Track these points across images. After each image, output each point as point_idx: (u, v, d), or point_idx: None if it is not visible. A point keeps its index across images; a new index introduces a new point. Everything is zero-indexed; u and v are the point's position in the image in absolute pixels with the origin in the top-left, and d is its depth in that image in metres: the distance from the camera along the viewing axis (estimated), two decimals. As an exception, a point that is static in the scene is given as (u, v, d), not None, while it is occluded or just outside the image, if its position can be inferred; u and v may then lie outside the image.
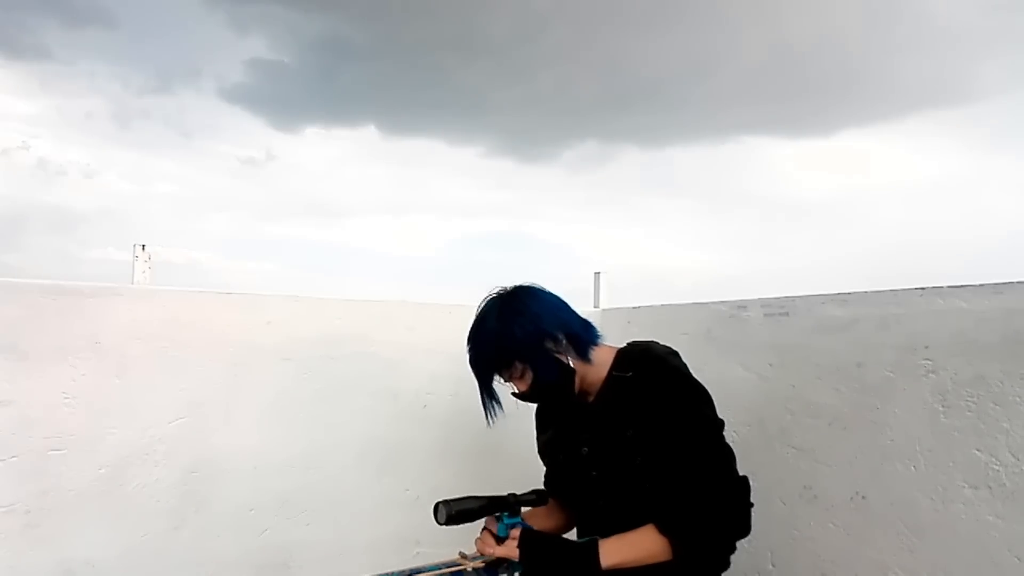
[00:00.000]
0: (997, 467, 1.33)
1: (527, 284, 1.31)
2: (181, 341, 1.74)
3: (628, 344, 1.33)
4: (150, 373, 1.70)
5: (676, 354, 1.30)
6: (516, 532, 1.26)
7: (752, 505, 1.18)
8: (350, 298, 2.05)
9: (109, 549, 1.64)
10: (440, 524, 1.22)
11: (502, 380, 1.29)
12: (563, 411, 1.37)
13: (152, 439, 1.70)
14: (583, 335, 1.28)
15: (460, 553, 1.32)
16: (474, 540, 1.30)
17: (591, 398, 1.30)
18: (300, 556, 1.90)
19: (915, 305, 1.50)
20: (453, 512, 1.22)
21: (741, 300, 1.90)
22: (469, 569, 1.26)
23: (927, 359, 1.46)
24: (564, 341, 1.26)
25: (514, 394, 1.29)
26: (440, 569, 1.28)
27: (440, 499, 1.23)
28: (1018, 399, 1.31)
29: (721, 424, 1.23)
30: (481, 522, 1.30)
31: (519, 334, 1.22)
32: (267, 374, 1.86)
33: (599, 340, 1.31)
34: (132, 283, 1.82)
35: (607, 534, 1.21)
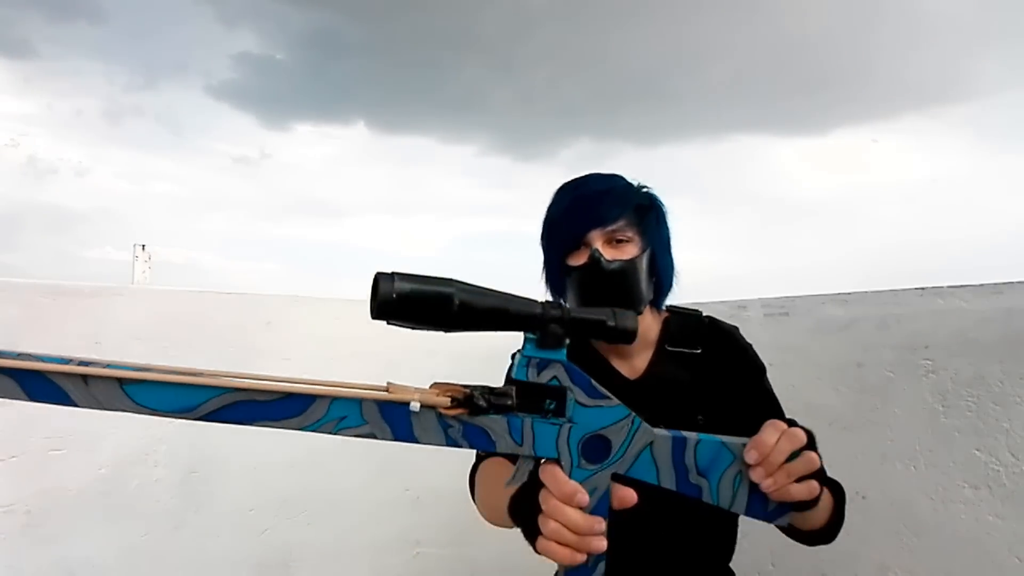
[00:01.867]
0: (997, 467, 1.33)
1: None
2: (181, 341, 1.74)
3: (670, 311, 1.09)
4: (150, 373, 1.70)
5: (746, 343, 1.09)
6: None
7: None
8: (350, 298, 2.05)
9: (109, 549, 1.64)
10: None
11: (593, 235, 0.97)
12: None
13: (152, 439, 1.70)
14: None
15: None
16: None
17: (635, 374, 1.04)
18: (300, 556, 1.90)
19: (915, 305, 1.50)
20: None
21: (741, 300, 1.90)
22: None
23: (927, 359, 1.46)
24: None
25: (594, 258, 0.96)
26: None
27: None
28: (1018, 399, 1.31)
29: None
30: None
31: (655, 211, 1.02)
32: (267, 374, 1.86)
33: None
34: (132, 283, 1.82)
35: (652, 544, 0.98)
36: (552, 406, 0.59)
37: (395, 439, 0.57)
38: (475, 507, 1.01)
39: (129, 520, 1.67)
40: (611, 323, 0.63)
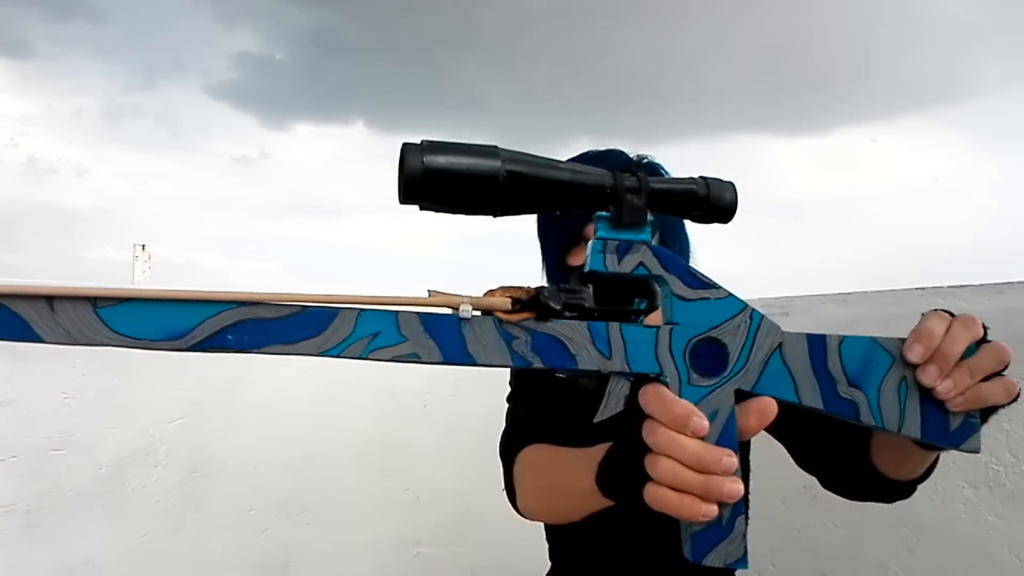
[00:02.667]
0: (997, 467, 1.33)
1: None
2: (181, 341, 1.74)
3: None
4: (150, 373, 1.69)
5: None
6: None
7: None
8: (350, 298, 2.05)
9: (109, 549, 1.64)
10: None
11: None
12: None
13: (152, 439, 1.70)
14: None
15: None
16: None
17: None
18: (300, 556, 1.90)
19: (915, 305, 1.50)
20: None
21: (741, 300, 1.90)
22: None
23: (927, 359, 1.46)
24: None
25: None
26: None
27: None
28: (1018, 399, 1.31)
29: None
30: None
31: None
32: (267, 374, 1.86)
33: None
34: (132, 283, 1.82)
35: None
36: (643, 305, 0.47)
37: (444, 361, 0.43)
38: (511, 503, 0.88)
39: (129, 520, 1.67)
40: (703, 193, 0.49)
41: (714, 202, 0.48)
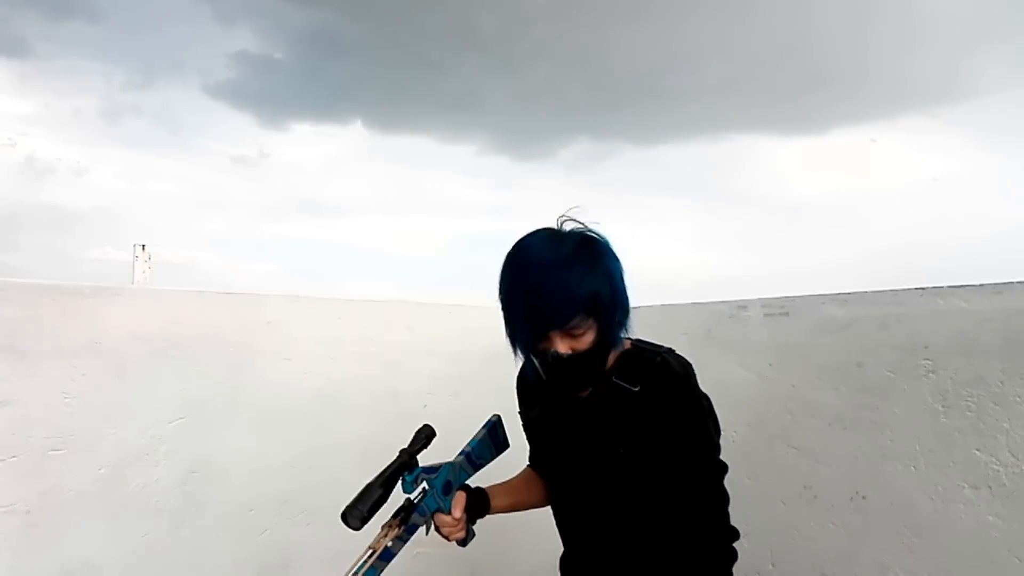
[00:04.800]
0: (997, 467, 1.33)
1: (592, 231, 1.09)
2: (181, 341, 1.74)
3: (634, 344, 1.14)
4: (150, 373, 1.70)
5: (692, 373, 1.12)
6: (460, 499, 1.18)
7: (736, 559, 1.13)
8: (350, 298, 2.06)
9: (109, 549, 1.64)
10: (360, 529, 1.09)
11: (552, 335, 1.04)
12: (555, 394, 1.17)
13: (152, 439, 1.70)
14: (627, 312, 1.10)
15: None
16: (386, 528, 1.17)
17: (584, 392, 1.12)
18: (300, 556, 1.90)
19: (915, 305, 1.50)
20: (365, 511, 1.09)
21: (741, 300, 1.90)
22: (389, 543, 1.15)
23: (927, 359, 1.46)
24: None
25: (555, 357, 1.04)
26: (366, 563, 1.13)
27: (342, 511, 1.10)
28: (1018, 399, 1.31)
29: (725, 468, 1.13)
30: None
31: (605, 280, 1.04)
32: (267, 374, 1.86)
33: None
34: (132, 283, 1.82)
35: (579, 530, 1.19)
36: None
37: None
38: None
39: (129, 520, 1.67)
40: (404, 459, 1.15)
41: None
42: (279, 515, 1.87)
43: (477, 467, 1.25)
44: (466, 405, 2.04)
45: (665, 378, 1.08)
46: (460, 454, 1.23)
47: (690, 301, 2.08)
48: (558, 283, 1.00)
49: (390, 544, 1.13)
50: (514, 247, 1.08)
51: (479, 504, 1.24)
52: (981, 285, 1.40)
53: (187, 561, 1.73)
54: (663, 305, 2.18)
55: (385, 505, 1.12)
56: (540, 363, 1.08)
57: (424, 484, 1.16)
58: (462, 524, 1.19)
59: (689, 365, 1.12)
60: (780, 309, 1.79)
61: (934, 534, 1.42)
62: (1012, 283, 1.35)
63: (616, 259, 1.08)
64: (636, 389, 1.07)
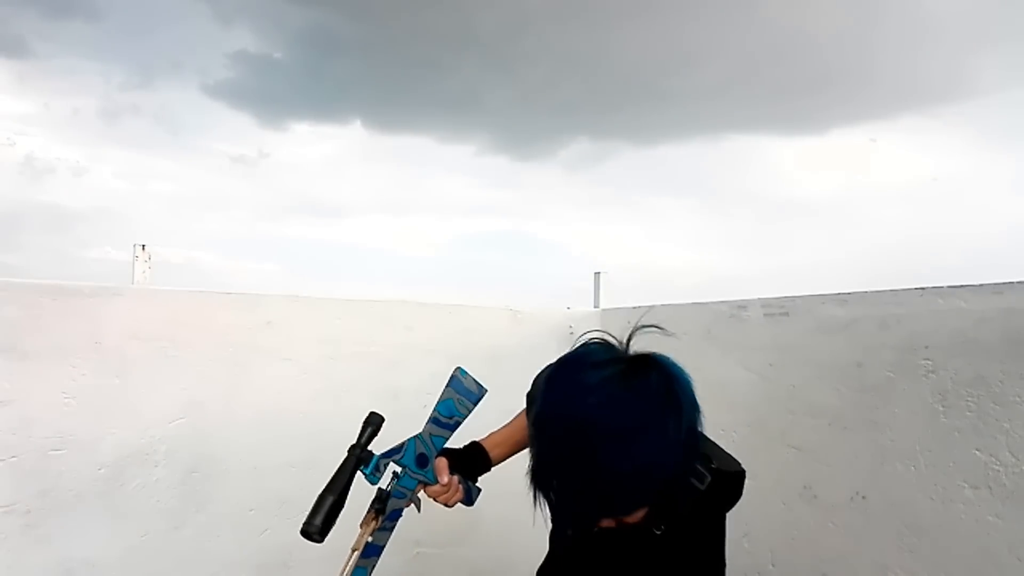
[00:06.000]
0: (997, 467, 1.33)
1: (659, 355, 0.83)
2: (181, 341, 1.74)
3: None
4: (150, 373, 1.70)
5: (730, 499, 0.93)
6: (442, 464, 1.12)
7: None
8: (350, 298, 2.05)
9: (109, 549, 1.64)
10: (322, 541, 1.07)
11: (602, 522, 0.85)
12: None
13: (152, 439, 1.70)
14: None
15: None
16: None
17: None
18: (300, 556, 1.90)
19: (915, 305, 1.50)
20: (319, 522, 1.05)
21: (741, 300, 1.90)
22: (369, 539, 1.13)
23: (927, 359, 1.46)
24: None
25: (597, 531, 0.87)
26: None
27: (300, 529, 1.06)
28: (1018, 399, 1.31)
29: None
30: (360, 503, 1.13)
31: (684, 447, 0.79)
32: (267, 374, 1.86)
33: None
34: (132, 283, 1.82)
35: None
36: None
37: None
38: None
39: (129, 520, 1.67)
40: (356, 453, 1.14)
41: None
42: (279, 515, 1.86)
43: (453, 427, 1.18)
44: (466, 405, 2.04)
45: (696, 525, 0.89)
46: (427, 422, 1.19)
47: (690, 301, 2.08)
48: (637, 462, 0.75)
49: (371, 539, 1.11)
50: (566, 384, 0.81)
51: (473, 461, 1.16)
52: (981, 285, 1.40)
53: (187, 561, 1.73)
54: (663, 305, 2.18)
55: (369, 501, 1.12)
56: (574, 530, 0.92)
57: (393, 467, 1.13)
58: (455, 487, 1.12)
59: (733, 486, 0.91)
60: (780, 309, 1.79)
61: (934, 534, 1.42)
62: (1012, 283, 1.35)
63: (696, 404, 0.82)
64: (658, 532, 0.87)
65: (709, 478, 0.87)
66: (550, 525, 1.12)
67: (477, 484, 1.18)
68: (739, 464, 0.92)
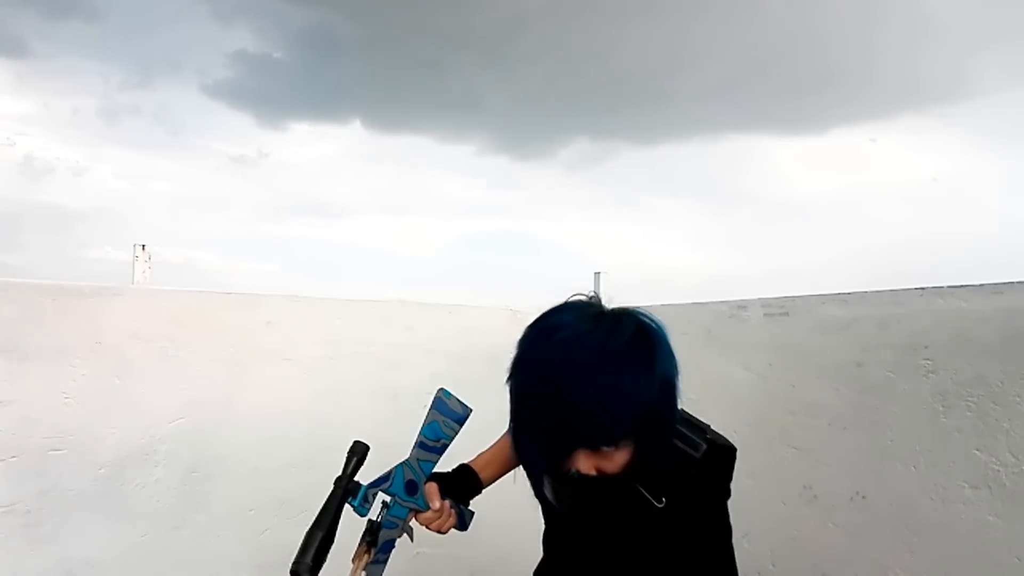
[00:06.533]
0: (997, 467, 1.33)
1: (636, 308, 0.86)
2: (181, 341, 1.74)
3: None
4: (150, 373, 1.70)
5: (728, 472, 0.94)
6: (432, 489, 1.07)
7: None
8: (350, 298, 2.06)
9: (109, 549, 1.64)
10: None
11: (576, 452, 0.82)
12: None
13: (152, 439, 1.70)
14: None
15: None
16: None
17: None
18: (300, 556, 1.90)
19: (915, 305, 1.50)
20: (309, 560, 1.01)
21: (741, 300, 1.90)
22: (363, 573, 1.10)
23: (927, 359, 1.46)
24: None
25: (576, 479, 0.83)
26: None
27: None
28: (1018, 399, 1.31)
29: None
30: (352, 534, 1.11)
31: (661, 388, 0.80)
32: (267, 374, 1.86)
33: None
34: (132, 283, 1.82)
35: None
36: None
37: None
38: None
39: (129, 520, 1.67)
40: (342, 484, 1.08)
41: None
42: (279, 515, 1.86)
43: (440, 450, 1.15)
44: (466, 405, 2.04)
45: (698, 495, 0.89)
46: (413, 448, 1.16)
47: (690, 301, 2.08)
48: (603, 392, 0.76)
49: (364, 573, 1.07)
50: (540, 328, 0.84)
51: (464, 484, 1.14)
52: (981, 285, 1.40)
53: (187, 561, 1.73)
54: (663, 305, 2.18)
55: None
56: (552, 483, 0.90)
57: (382, 497, 1.09)
58: (447, 512, 1.08)
59: (727, 459, 0.92)
60: (780, 309, 1.79)
61: (934, 534, 1.42)
62: (1012, 283, 1.35)
63: (673, 356, 0.85)
64: (660, 505, 0.87)
65: (705, 447, 0.88)
66: (543, 527, 1.13)
67: (469, 507, 1.16)
68: (730, 442, 0.93)
